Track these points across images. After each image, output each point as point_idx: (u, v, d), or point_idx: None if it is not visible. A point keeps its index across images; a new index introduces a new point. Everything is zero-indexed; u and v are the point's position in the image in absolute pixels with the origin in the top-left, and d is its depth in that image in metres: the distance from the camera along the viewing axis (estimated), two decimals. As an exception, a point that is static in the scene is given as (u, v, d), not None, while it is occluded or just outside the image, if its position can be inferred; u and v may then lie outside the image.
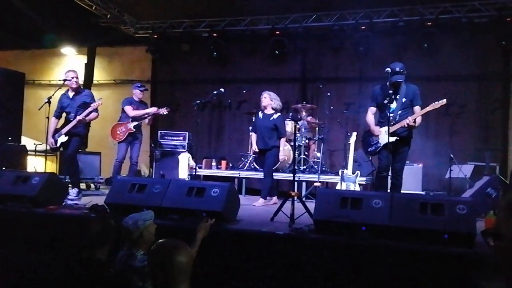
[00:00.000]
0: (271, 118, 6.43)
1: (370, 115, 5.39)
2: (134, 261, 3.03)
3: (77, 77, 6.37)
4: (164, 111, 7.00)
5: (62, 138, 6.20)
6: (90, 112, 6.16)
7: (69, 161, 6.31)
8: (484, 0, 7.62)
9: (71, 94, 6.35)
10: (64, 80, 6.43)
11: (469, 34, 7.67)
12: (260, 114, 6.58)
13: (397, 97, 5.14)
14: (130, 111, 6.96)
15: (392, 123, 5.05)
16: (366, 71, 8.58)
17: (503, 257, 1.10)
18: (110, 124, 7.07)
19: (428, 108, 5.05)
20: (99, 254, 2.90)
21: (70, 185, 6.13)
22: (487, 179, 5.88)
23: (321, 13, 8.70)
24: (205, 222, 3.51)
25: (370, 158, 6.10)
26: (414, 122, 5.05)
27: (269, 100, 6.43)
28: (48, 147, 6.54)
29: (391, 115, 5.04)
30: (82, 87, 6.64)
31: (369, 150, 5.43)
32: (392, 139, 5.05)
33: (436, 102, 5.01)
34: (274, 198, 6.53)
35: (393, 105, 5.13)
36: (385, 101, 5.17)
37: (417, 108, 5.14)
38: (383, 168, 5.27)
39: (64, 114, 6.36)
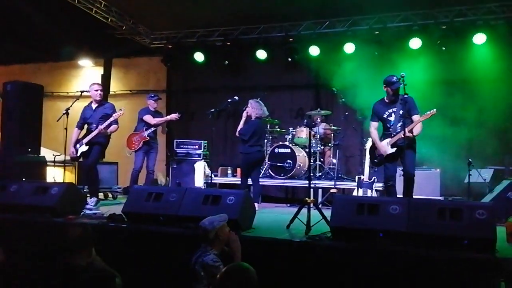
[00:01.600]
0: None
1: (373, 130, 5.63)
2: (207, 258, 3.30)
3: (101, 90, 6.61)
4: (175, 116, 7.14)
5: (83, 148, 6.34)
6: (111, 122, 6.29)
7: (89, 170, 6.40)
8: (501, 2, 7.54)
9: (94, 106, 6.55)
10: (82, 92, 6.60)
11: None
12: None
13: (394, 110, 5.40)
14: (151, 119, 7.12)
15: (393, 135, 5.38)
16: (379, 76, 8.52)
17: None
18: (127, 134, 7.16)
19: (421, 119, 5.20)
20: (78, 260, 2.92)
21: (88, 195, 6.22)
22: (508, 183, 5.77)
23: (335, 19, 8.70)
24: (232, 238, 3.56)
25: (376, 169, 6.22)
26: (411, 132, 5.20)
27: (250, 109, 6.50)
28: (68, 157, 6.68)
29: (392, 127, 5.38)
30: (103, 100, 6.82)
31: (375, 161, 5.72)
32: (392, 150, 5.36)
33: (428, 112, 5.16)
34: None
35: (392, 118, 5.42)
36: (385, 115, 5.47)
37: (415, 117, 5.29)
38: (388, 177, 5.48)
39: (86, 126, 6.52)
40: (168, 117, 7.28)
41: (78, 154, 6.39)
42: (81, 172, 8.04)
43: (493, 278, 3.32)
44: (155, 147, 7.15)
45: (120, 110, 6.39)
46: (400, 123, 5.26)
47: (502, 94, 7.00)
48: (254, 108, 6.49)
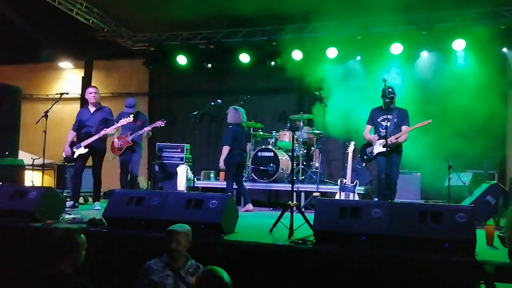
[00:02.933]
0: None
1: (367, 132, 6.23)
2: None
3: (95, 93, 6.70)
4: (160, 123, 6.93)
5: (81, 150, 6.48)
6: (100, 125, 6.53)
7: (97, 179, 6.67)
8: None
9: (91, 109, 6.67)
10: (61, 94, 6.58)
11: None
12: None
13: (390, 117, 6.03)
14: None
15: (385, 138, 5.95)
16: (361, 81, 8.62)
17: None
18: (109, 138, 7.06)
19: (416, 126, 5.91)
20: (64, 267, 2.81)
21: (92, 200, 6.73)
22: (486, 186, 5.87)
23: (318, 24, 8.75)
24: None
25: (364, 164, 6.77)
26: (396, 139, 5.87)
27: (229, 116, 6.93)
28: (63, 157, 6.81)
29: (383, 131, 5.92)
30: (101, 105, 6.91)
31: (365, 157, 6.29)
32: (383, 149, 5.92)
33: (424, 122, 5.85)
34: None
35: (385, 123, 6.03)
36: (379, 119, 6.09)
37: (403, 128, 5.96)
38: (381, 170, 6.03)
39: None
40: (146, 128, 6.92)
41: (75, 156, 6.50)
42: (67, 175, 8.04)
43: (473, 280, 3.36)
44: (138, 151, 7.05)
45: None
46: (393, 129, 5.94)
47: (481, 99, 7.13)
48: (231, 115, 6.87)
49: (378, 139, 6.03)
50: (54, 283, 2.71)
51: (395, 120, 6.00)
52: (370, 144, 6.20)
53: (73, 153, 6.52)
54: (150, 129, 6.82)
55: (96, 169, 6.66)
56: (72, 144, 6.57)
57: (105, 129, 6.48)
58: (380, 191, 6.15)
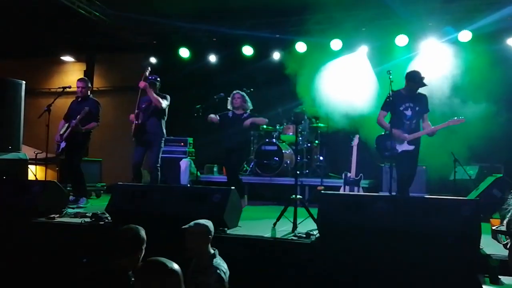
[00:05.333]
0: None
1: (382, 118, 5.42)
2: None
3: (83, 87, 6.48)
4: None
5: (63, 144, 6.34)
6: (82, 118, 6.14)
7: (74, 171, 6.37)
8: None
9: (79, 99, 6.52)
10: (63, 88, 6.52)
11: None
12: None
13: (412, 105, 5.32)
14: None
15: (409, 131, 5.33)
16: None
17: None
18: (109, 131, 7.02)
19: (447, 123, 5.32)
20: (126, 265, 2.75)
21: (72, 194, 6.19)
22: (493, 180, 5.83)
23: (321, 15, 8.66)
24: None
25: (384, 164, 6.23)
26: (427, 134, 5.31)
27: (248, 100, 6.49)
28: (51, 155, 6.58)
29: (407, 122, 5.31)
30: (91, 96, 6.69)
31: (386, 154, 5.41)
32: (411, 147, 5.29)
33: (457, 120, 5.30)
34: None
35: (408, 113, 5.35)
36: (401, 108, 5.32)
37: (426, 116, 5.38)
38: (402, 173, 5.32)
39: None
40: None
41: (59, 150, 6.36)
42: (63, 169, 7.94)
43: (477, 274, 3.35)
44: (157, 141, 6.29)
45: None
46: (415, 121, 5.32)
47: (486, 91, 7.06)
48: (247, 99, 6.56)
49: (403, 133, 5.28)
50: (116, 282, 2.64)
51: (417, 108, 5.32)
52: (387, 136, 5.31)
53: (59, 147, 6.34)
54: (160, 99, 6.17)
55: (71, 161, 6.33)
56: (62, 137, 6.35)
57: (73, 121, 6.13)
58: (400, 192, 5.32)
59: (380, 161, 6.39)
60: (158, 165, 6.23)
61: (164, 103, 6.26)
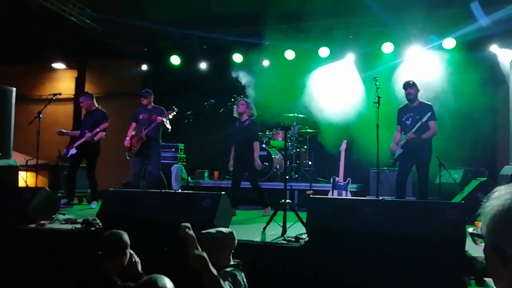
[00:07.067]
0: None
1: (397, 133, 6.09)
2: None
3: (81, 101, 7.02)
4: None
5: (73, 151, 6.74)
6: (98, 131, 6.70)
7: (90, 178, 6.95)
8: None
9: (84, 112, 7.17)
10: (54, 95, 6.62)
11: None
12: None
13: (412, 114, 5.79)
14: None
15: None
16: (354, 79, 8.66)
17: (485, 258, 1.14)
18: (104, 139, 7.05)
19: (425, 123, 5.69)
20: (110, 268, 2.78)
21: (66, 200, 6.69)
22: (477, 183, 5.94)
23: (310, 24, 8.78)
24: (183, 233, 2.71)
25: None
26: (415, 134, 5.64)
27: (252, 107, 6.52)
28: (42, 161, 7.17)
29: (407, 131, 5.75)
30: (98, 108, 7.10)
31: (391, 161, 6.10)
32: (400, 151, 5.80)
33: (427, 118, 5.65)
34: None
35: (409, 122, 5.82)
36: (403, 119, 5.89)
37: (431, 123, 5.71)
38: (399, 174, 5.97)
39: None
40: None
41: (68, 155, 6.76)
42: (61, 175, 8.02)
43: (463, 276, 3.42)
44: (155, 148, 6.69)
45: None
46: (415, 128, 5.66)
47: (471, 96, 7.20)
48: (251, 107, 6.59)
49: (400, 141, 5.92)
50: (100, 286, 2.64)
51: (417, 117, 5.72)
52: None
53: (68, 152, 6.75)
54: (163, 119, 6.52)
55: (88, 169, 6.90)
56: (69, 144, 6.94)
57: (87, 132, 6.64)
58: (398, 195, 5.92)
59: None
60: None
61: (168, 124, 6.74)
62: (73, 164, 6.84)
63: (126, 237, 2.93)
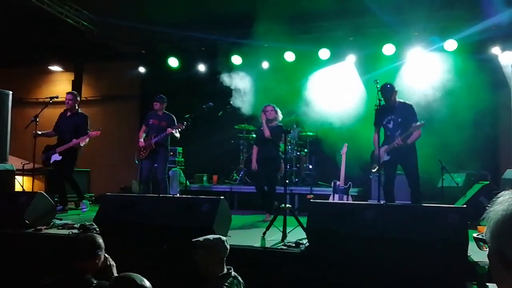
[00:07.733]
0: None
1: (375, 135, 5.65)
2: None
3: (70, 99, 6.71)
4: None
5: (56, 157, 6.52)
6: (75, 132, 6.56)
7: (68, 181, 6.73)
8: None
9: (68, 113, 6.77)
10: (51, 98, 6.54)
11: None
12: None
13: (393, 117, 5.44)
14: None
15: (390, 143, 5.45)
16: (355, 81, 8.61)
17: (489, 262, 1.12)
18: (98, 140, 6.98)
19: (411, 130, 5.25)
20: (84, 268, 2.85)
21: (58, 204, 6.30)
22: (479, 187, 5.88)
23: (310, 25, 8.74)
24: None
25: (371, 176, 6.52)
26: (405, 140, 5.27)
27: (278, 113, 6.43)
28: (38, 165, 6.74)
29: (390, 135, 5.45)
30: (79, 110, 6.90)
31: (374, 165, 5.69)
32: (387, 157, 5.45)
33: (414, 124, 5.22)
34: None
35: (391, 125, 5.48)
36: (384, 122, 5.52)
37: (413, 125, 5.26)
38: (385, 181, 5.60)
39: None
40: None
41: (51, 161, 6.53)
42: (51, 180, 7.88)
43: (465, 281, 3.37)
44: (162, 154, 6.68)
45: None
46: (399, 131, 5.36)
47: (472, 99, 7.15)
48: (278, 111, 6.49)
49: (383, 146, 5.52)
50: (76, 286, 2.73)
51: (399, 120, 5.42)
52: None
53: (49, 159, 6.57)
54: (174, 131, 6.53)
55: (66, 173, 6.67)
56: (49, 148, 6.65)
57: (74, 139, 6.50)
58: (387, 200, 5.53)
59: (372, 173, 6.48)
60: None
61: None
62: (58, 170, 6.69)
63: (100, 240, 3.04)
